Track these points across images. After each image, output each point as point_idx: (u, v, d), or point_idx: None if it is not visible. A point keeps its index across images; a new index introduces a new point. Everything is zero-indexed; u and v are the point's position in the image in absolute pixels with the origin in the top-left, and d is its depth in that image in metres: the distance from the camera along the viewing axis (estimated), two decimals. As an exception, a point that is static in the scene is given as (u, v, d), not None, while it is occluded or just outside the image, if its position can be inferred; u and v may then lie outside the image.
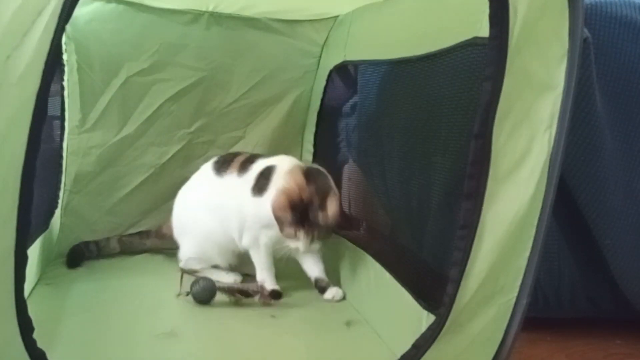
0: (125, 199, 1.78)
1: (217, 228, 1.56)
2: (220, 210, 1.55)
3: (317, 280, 1.52)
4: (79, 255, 1.65)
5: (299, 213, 1.39)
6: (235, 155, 1.62)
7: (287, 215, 1.39)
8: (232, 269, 1.62)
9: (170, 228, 1.70)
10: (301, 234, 1.40)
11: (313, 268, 1.53)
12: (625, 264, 1.34)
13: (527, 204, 0.96)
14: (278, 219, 1.40)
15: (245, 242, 1.52)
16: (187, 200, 1.66)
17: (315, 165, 1.55)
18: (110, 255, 1.72)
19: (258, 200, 1.47)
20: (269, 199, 1.43)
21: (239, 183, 1.53)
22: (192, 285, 1.41)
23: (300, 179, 1.44)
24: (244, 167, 1.55)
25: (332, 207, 1.42)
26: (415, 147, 1.34)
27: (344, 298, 1.49)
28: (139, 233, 1.77)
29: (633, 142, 1.32)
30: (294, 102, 1.88)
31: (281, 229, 1.41)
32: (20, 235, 0.83)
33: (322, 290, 1.51)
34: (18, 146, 0.81)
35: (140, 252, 1.76)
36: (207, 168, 1.63)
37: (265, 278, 1.50)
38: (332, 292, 1.49)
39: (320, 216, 1.41)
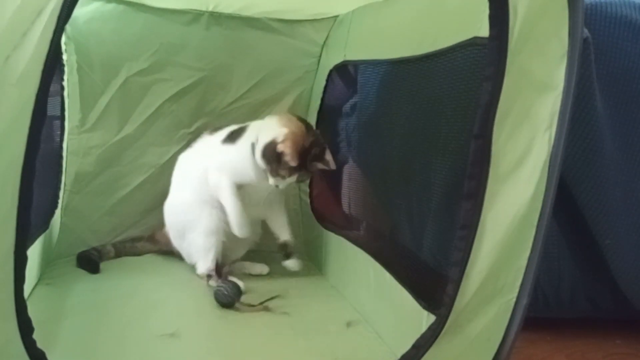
0: (125, 199, 1.78)
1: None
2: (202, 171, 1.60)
3: (285, 245, 1.63)
4: (93, 262, 1.63)
5: (300, 159, 1.45)
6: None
7: (294, 161, 1.44)
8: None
9: (164, 236, 1.71)
10: (294, 177, 1.48)
11: (281, 230, 1.64)
12: (625, 264, 1.34)
13: (527, 204, 0.96)
14: (282, 161, 1.44)
15: (211, 183, 1.57)
16: (175, 194, 1.68)
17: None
18: (108, 258, 1.71)
19: (228, 146, 1.56)
20: (242, 146, 1.53)
21: (210, 140, 1.63)
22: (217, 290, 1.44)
23: (300, 126, 1.51)
24: (215, 130, 1.65)
25: (330, 157, 1.51)
26: (415, 147, 1.33)
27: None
28: (132, 239, 1.77)
29: (633, 142, 1.32)
30: (293, 102, 1.87)
31: (275, 170, 1.47)
32: (20, 236, 0.83)
33: (287, 255, 1.61)
34: (18, 146, 0.81)
35: (133, 255, 1.76)
36: (180, 156, 1.71)
37: (235, 217, 1.54)
38: (292, 263, 1.60)
39: (319, 165, 1.51)
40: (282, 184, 1.51)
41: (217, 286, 1.45)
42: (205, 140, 1.67)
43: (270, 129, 1.49)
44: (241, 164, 1.54)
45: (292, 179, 1.50)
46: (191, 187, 1.63)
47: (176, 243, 1.68)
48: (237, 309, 1.40)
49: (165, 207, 1.69)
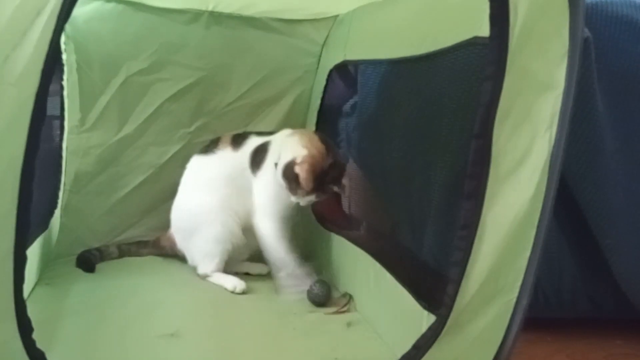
0: (124, 199, 1.77)
1: (232, 197, 1.60)
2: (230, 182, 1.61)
3: None
4: (89, 263, 1.63)
5: (318, 181, 1.47)
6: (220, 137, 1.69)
7: (308, 186, 1.45)
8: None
9: (169, 239, 1.70)
10: (312, 197, 1.50)
11: None
12: (626, 264, 1.34)
13: (527, 204, 0.96)
14: (299, 185, 1.46)
15: (259, 230, 1.58)
16: (189, 196, 1.66)
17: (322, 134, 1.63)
18: (111, 258, 1.71)
19: (259, 178, 1.57)
20: (268, 170, 1.54)
21: (236, 158, 1.62)
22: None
23: (320, 147, 1.51)
24: (236, 142, 1.64)
25: (347, 182, 1.54)
26: (415, 146, 1.33)
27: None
28: (137, 243, 1.77)
29: (634, 142, 1.32)
30: (294, 102, 1.87)
31: (294, 189, 1.49)
32: (19, 236, 0.83)
33: None
34: (17, 146, 0.81)
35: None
36: (195, 158, 1.69)
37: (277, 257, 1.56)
38: None
39: (335, 188, 1.52)
40: (303, 202, 1.53)
41: (310, 286, 1.47)
42: (228, 155, 1.64)
43: (291, 148, 1.52)
44: (274, 190, 1.55)
45: (311, 198, 1.51)
46: (209, 193, 1.61)
47: (182, 245, 1.68)
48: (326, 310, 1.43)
49: (174, 208, 1.68)
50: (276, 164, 1.53)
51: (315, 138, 1.54)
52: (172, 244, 1.69)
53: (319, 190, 1.49)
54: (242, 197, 1.60)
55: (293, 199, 1.52)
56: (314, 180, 1.46)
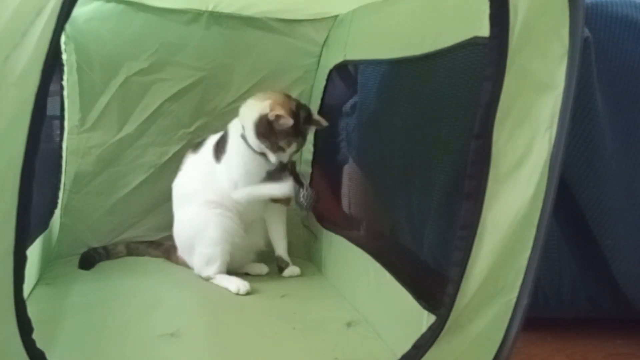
0: (125, 199, 1.78)
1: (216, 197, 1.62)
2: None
3: (278, 259, 1.69)
4: (90, 261, 1.64)
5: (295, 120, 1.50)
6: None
7: (290, 120, 1.48)
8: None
9: (179, 259, 1.71)
10: (293, 146, 1.54)
11: (278, 243, 1.70)
12: (626, 264, 1.34)
13: (527, 204, 0.95)
14: (278, 129, 1.49)
15: (241, 200, 1.60)
16: (179, 215, 1.68)
17: None
18: (118, 257, 1.73)
19: (225, 160, 1.59)
20: (233, 147, 1.57)
21: (199, 159, 1.66)
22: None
23: (279, 94, 1.57)
24: (196, 147, 1.69)
25: (319, 117, 1.59)
26: (415, 147, 1.33)
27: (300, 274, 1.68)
28: (148, 243, 1.78)
29: (633, 142, 1.32)
30: (293, 102, 1.87)
31: (274, 144, 1.51)
32: (19, 236, 0.83)
33: (281, 269, 1.68)
34: (17, 146, 0.81)
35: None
36: (173, 185, 1.70)
37: (273, 191, 1.61)
38: (290, 271, 1.68)
39: (312, 127, 1.59)
40: (285, 158, 1.55)
41: (299, 190, 1.56)
42: (192, 160, 1.67)
43: (252, 109, 1.54)
44: (243, 162, 1.57)
45: (293, 148, 1.54)
46: (192, 203, 1.63)
47: (189, 260, 1.68)
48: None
49: (173, 231, 1.69)
50: (243, 135, 1.55)
51: (269, 91, 1.58)
52: (184, 263, 1.70)
53: (298, 134, 1.53)
54: (223, 190, 1.60)
55: (274, 159, 1.54)
56: (292, 115, 1.49)
